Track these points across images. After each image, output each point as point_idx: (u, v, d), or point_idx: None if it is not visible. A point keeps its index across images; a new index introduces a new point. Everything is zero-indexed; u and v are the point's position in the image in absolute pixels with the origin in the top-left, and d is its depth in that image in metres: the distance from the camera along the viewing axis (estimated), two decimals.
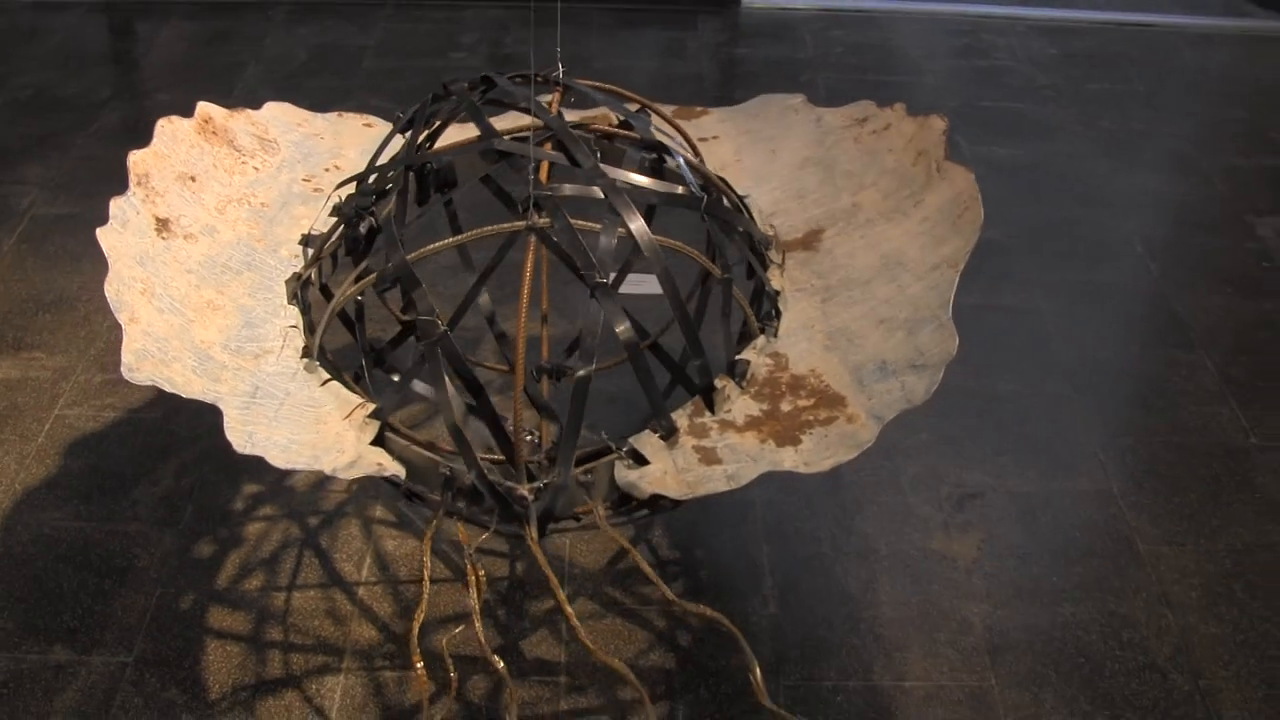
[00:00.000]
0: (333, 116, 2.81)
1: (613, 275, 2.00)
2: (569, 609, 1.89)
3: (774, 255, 2.37)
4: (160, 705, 2.37)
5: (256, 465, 2.75)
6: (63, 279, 3.53)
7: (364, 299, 2.35)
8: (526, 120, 2.19)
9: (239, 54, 3.26)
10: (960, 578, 2.70)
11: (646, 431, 2.04)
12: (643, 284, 2.46)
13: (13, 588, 2.60)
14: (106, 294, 2.00)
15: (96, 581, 2.62)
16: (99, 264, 3.33)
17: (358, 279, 2.16)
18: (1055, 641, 2.56)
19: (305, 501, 2.82)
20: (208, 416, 2.84)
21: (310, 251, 2.36)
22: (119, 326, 2.98)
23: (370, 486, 2.83)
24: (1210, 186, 4.19)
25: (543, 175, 2.11)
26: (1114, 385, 3.26)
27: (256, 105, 2.62)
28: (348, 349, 2.70)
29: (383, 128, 2.77)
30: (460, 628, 2.16)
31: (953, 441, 3.04)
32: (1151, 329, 3.48)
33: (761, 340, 2.19)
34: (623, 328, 1.98)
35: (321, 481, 2.85)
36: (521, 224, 2.04)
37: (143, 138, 3.87)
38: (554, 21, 2.25)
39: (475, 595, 1.90)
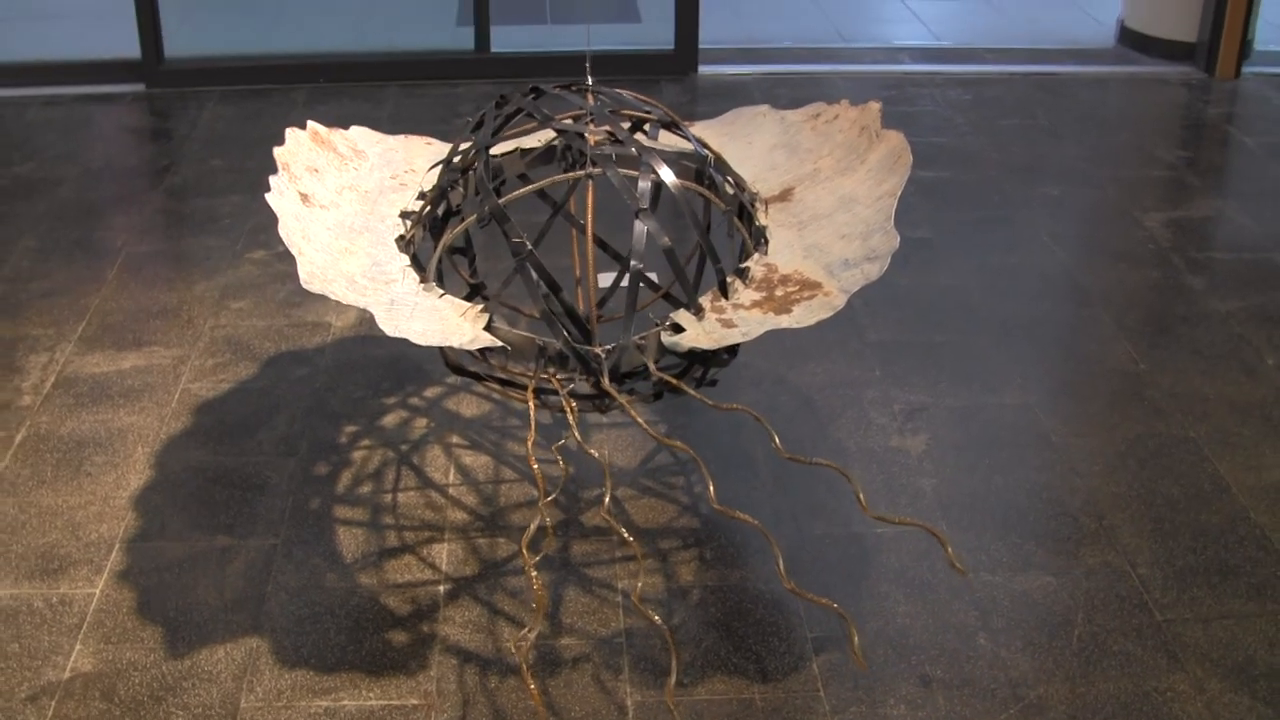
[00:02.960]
0: (401, 137, 3.61)
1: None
2: (633, 411, 2.68)
3: (759, 205, 3.18)
4: (309, 569, 3.12)
5: (354, 411, 3.54)
6: (162, 296, 4.30)
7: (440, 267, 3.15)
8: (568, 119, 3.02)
9: (272, 128, 4.00)
10: (913, 463, 3.48)
11: (682, 310, 2.84)
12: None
13: (176, 500, 3.34)
14: (280, 234, 2.78)
15: (240, 494, 3.37)
16: (190, 284, 4.19)
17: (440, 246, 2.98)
18: (990, 500, 3.34)
19: (396, 434, 3.58)
20: (306, 384, 3.64)
21: (409, 222, 3.16)
22: (219, 326, 3.81)
23: (446, 420, 3.60)
24: (1104, 192, 5.05)
25: (592, 142, 2.92)
26: (1030, 333, 4.07)
27: None
28: None
29: (440, 146, 3.57)
30: (563, 440, 2.93)
31: (900, 376, 3.85)
32: (1059, 294, 4.31)
33: (756, 255, 2.99)
34: (664, 240, 2.78)
35: (406, 420, 3.63)
36: (582, 173, 2.85)
37: (207, 192, 4.70)
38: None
39: (572, 419, 2.68)
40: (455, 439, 3.54)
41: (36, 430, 3.57)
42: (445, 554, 3.13)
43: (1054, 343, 4.00)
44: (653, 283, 3.23)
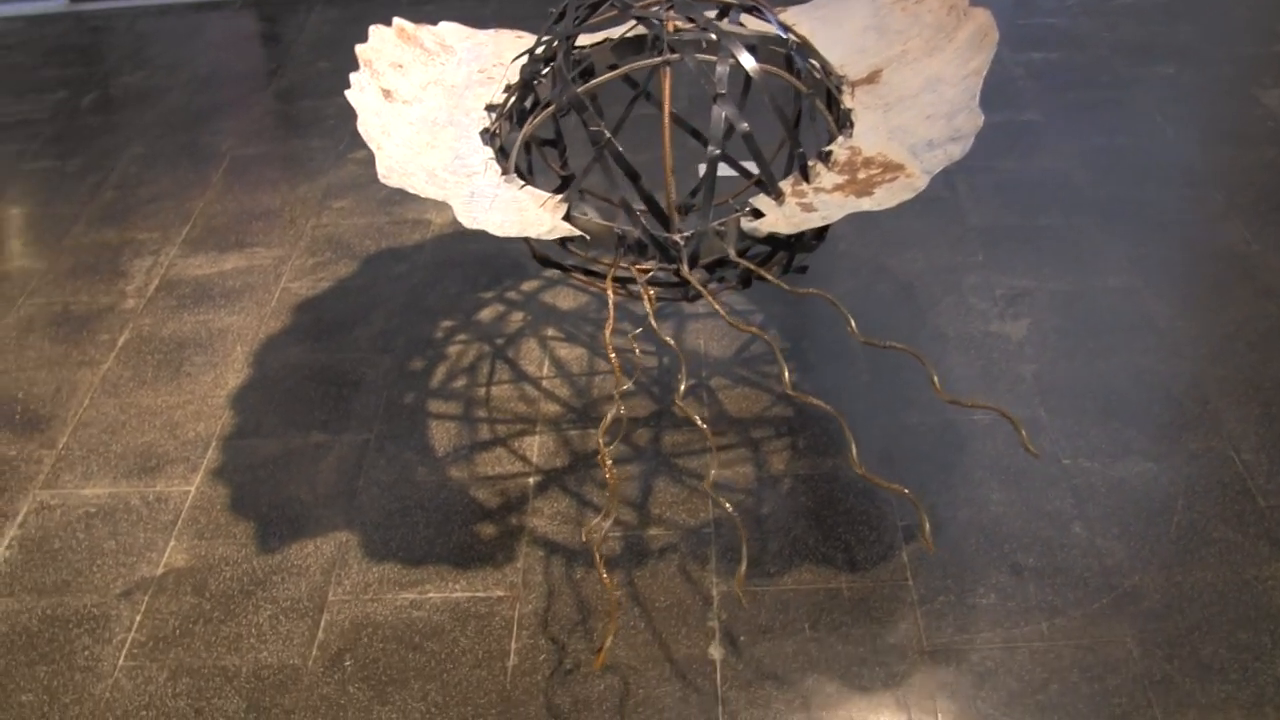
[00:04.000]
0: (491, 32, 3.59)
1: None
2: (710, 297, 2.65)
3: (845, 88, 3.13)
4: (400, 464, 3.14)
5: (451, 307, 3.54)
6: (265, 198, 4.33)
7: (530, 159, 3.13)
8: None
9: None
10: (1014, 349, 3.42)
11: (761, 195, 2.80)
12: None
13: (273, 398, 3.37)
14: (359, 130, 2.77)
15: (336, 390, 3.39)
16: (293, 185, 4.19)
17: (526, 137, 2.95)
18: (1091, 385, 3.27)
19: (491, 329, 3.58)
20: (403, 281, 3.64)
21: (494, 115, 3.14)
22: (320, 226, 3.80)
23: (542, 314, 3.60)
24: (1220, 70, 4.89)
25: (670, 28, 2.88)
26: (1136, 214, 3.97)
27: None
28: None
29: (531, 39, 3.54)
30: (640, 329, 2.91)
31: (1002, 261, 3.77)
32: (1168, 175, 4.19)
33: (841, 138, 2.94)
34: (743, 125, 2.74)
35: (502, 314, 3.62)
36: (659, 59, 2.81)
37: (313, 94, 4.71)
38: None
39: (650, 306, 2.66)
40: (551, 332, 3.53)
41: (139, 332, 3.62)
42: (536, 446, 3.13)
43: (1162, 224, 3.90)
44: (744, 169, 3.19)
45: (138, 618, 2.72)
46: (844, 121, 2.96)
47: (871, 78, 3.15)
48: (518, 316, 3.60)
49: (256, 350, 3.51)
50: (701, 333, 3.47)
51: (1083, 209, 3.97)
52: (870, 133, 2.92)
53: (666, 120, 2.77)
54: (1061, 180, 4.13)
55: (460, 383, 3.36)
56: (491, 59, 3.42)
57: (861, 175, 2.77)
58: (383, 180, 2.61)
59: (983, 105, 2.75)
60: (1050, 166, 4.22)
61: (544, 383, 3.34)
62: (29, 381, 3.45)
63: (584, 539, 2.81)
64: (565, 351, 3.44)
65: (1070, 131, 4.42)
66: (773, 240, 2.73)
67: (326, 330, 3.58)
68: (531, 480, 3.02)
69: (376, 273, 3.84)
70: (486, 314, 3.61)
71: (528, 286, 3.71)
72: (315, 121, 4.84)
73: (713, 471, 2.51)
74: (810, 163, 2.81)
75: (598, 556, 2.32)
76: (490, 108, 3.12)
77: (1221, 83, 4.74)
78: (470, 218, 2.62)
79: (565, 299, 3.65)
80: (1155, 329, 3.43)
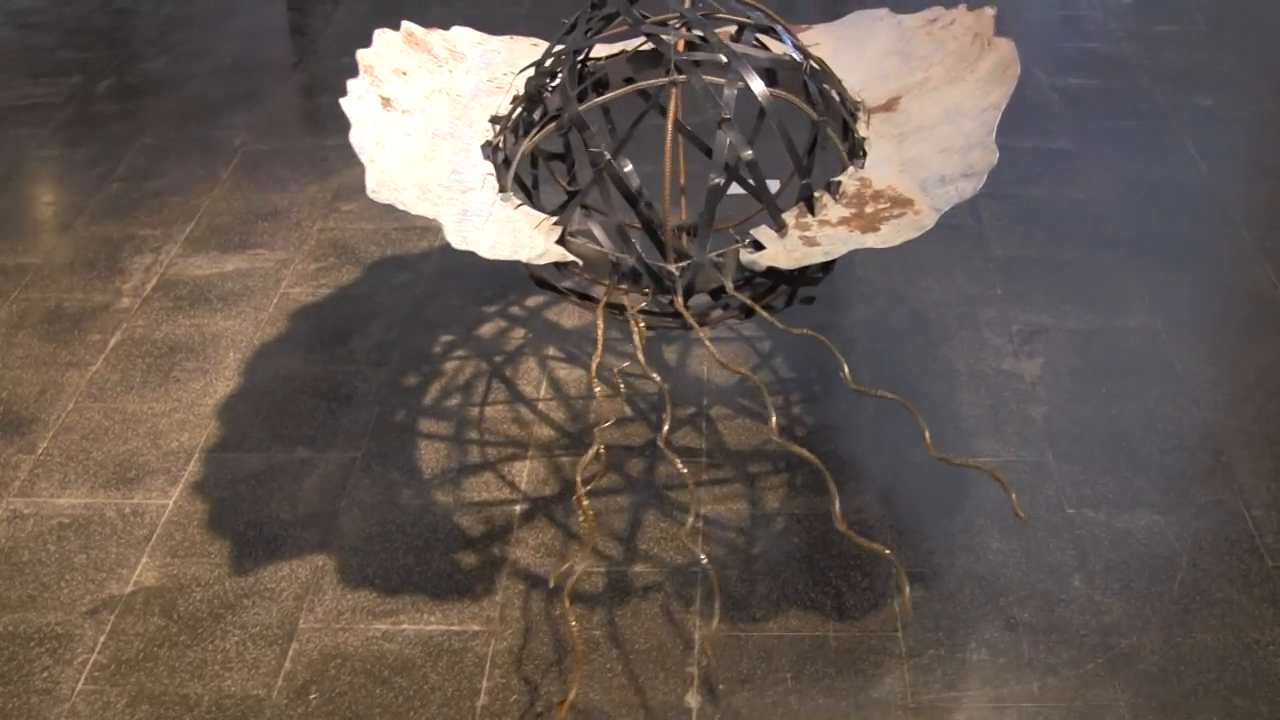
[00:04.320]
0: (506, 38, 3.49)
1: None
2: (703, 333, 2.55)
3: (861, 115, 3.02)
4: (385, 484, 3.04)
5: (451, 320, 3.45)
6: (274, 197, 4.25)
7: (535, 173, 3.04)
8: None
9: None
10: (1026, 389, 3.31)
11: (763, 226, 2.69)
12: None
13: (260, 409, 3.29)
14: (351, 141, 2.68)
15: (326, 404, 3.30)
16: (302, 185, 4.10)
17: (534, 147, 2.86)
18: (1102, 431, 3.16)
19: (491, 345, 3.49)
20: (406, 290, 3.55)
21: (498, 127, 3.04)
22: (326, 229, 3.72)
23: (545, 332, 3.50)
24: (1260, 105, 4.77)
25: (680, 48, 2.78)
26: (1163, 251, 3.84)
27: None
28: None
29: (545, 45, 3.44)
30: (628, 363, 2.81)
31: (1022, 294, 3.66)
32: (1198, 211, 4.07)
33: (851, 169, 2.83)
34: (747, 153, 2.63)
35: (504, 330, 3.53)
36: (666, 79, 2.71)
37: (332, 91, 4.61)
38: None
39: (639, 339, 2.56)
40: (551, 351, 3.44)
41: (131, 334, 3.55)
42: (526, 472, 3.04)
43: (1187, 263, 3.78)
44: (752, 188, 3.08)
45: (101, 639, 2.64)
46: (857, 150, 2.85)
47: (889, 105, 3.04)
48: (519, 333, 3.51)
49: (249, 358, 3.43)
50: (705, 358, 3.38)
51: (1108, 244, 3.86)
52: (882, 163, 2.82)
53: (668, 145, 2.67)
54: (1089, 212, 4.02)
55: (454, 401, 3.27)
56: (503, 67, 3.32)
57: (869, 209, 2.67)
58: (371, 195, 2.52)
59: (1014, 129, 2.64)
60: (1079, 197, 4.11)
61: (540, 405, 3.25)
62: (14, 381, 3.37)
63: (551, 584, 2.71)
64: (564, 373, 3.35)
65: (1102, 161, 4.31)
66: (773, 273, 2.63)
67: (322, 340, 3.50)
68: (518, 509, 2.93)
69: (379, 281, 3.76)
70: (487, 329, 3.53)
71: (531, 302, 3.63)
72: (332, 119, 4.75)
73: (691, 519, 2.41)
74: (817, 194, 2.71)
75: (566, 603, 2.22)
76: (495, 119, 3.03)
77: (1261, 117, 4.62)
78: (460, 238, 2.53)
79: (569, 317, 3.56)
80: (1173, 374, 3.32)
